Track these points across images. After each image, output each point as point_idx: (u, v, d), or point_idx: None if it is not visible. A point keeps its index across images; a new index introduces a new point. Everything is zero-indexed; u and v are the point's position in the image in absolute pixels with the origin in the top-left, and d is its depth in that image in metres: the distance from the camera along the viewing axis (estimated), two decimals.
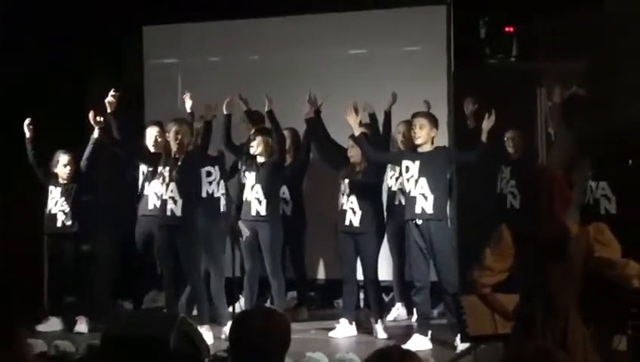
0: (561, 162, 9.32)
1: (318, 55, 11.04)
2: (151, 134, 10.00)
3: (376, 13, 10.89)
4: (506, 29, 9.29)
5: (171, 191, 9.14)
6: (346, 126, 9.06)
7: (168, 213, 9.17)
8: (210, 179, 9.68)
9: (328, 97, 9.73)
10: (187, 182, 9.23)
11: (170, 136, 9.21)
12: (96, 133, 9.73)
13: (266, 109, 9.49)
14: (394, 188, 9.92)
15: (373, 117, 9.95)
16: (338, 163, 9.67)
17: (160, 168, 9.28)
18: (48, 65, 11.23)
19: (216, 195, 9.68)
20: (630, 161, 8.89)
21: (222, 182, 9.77)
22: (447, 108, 10.38)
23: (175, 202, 9.11)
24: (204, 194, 9.58)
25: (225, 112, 9.55)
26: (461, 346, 8.16)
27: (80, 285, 10.10)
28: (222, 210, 9.69)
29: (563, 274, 4.99)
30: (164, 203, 9.21)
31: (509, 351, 5.18)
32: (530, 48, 9.26)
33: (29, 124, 9.87)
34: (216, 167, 9.77)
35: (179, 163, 9.15)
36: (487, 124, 8.83)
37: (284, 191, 10.06)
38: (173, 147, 9.20)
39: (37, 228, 10.36)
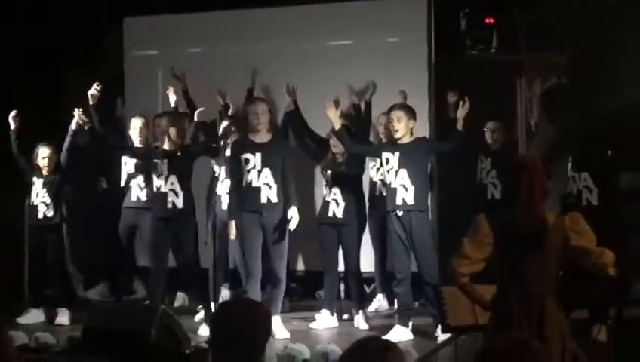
0: (541, 153, 9.35)
1: (299, 46, 11.02)
2: (135, 126, 10.02)
3: (357, 5, 10.89)
4: (487, 20, 9.27)
5: (171, 183, 9.18)
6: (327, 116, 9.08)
7: (169, 205, 9.22)
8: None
9: (300, 88, 9.81)
10: (188, 175, 9.35)
11: (172, 131, 9.29)
12: (73, 125, 9.71)
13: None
14: (375, 179, 9.96)
15: (356, 107, 9.95)
16: (318, 153, 9.72)
17: (157, 161, 9.27)
18: (28, 56, 11.20)
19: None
20: (609, 152, 8.93)
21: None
22: (427, 99, 10.41)
23: (176, 194, 9.15)
24: None
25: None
26: (442, 337, 8.20)
27: (61, 277, 10.07)
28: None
29: (539, 263, 5.03)
30: (162, 195, 9.23)
31: (485, 341, 5.22)
32: (510, 40, 9.26)
33: (14, 116, 9.84)
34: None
35: (178, 155, 9.23)
36: (461, 111, 8.89)
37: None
38: (175, 140, 9.28)
39: (17, 220, 10.32)
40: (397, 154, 8.81)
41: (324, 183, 9.44)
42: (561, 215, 5.19)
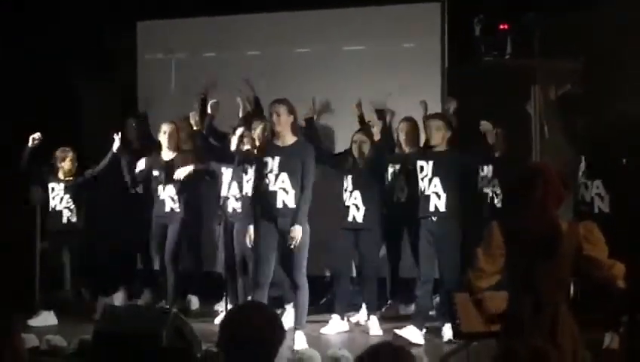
0: (555, 160, 9.32)
1: (313, 51, 11.04)
2: (165, 131, 9.96)
3: (372, 10, 10.89)
4: (501, 26, 9.25)
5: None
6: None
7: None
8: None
9: (314, 93, 9.90)
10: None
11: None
12: (115, 148, 9.81)
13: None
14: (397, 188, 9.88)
15: (380, 113, 9.94)
16: (334, 161, 9.71)
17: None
18: (41, 61, 11.21)
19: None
20: (625, 160, 8.90)
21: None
22: (440, 104, 10.39)
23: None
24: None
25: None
26: (447, 335, 8.46)
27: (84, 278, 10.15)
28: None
29: (552, 271, 5.00)
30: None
31: (499, 348, 5.19)
32: (524, 46, 9.24)
33: (37, 138, 9.84)
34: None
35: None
36: (485, 126, 9.12)
37: None
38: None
39: (25, 225, 10.36)
40: (431, 162, 8.90)
41: (344, 188, 9.42)
42: (575, 222, 5.16)
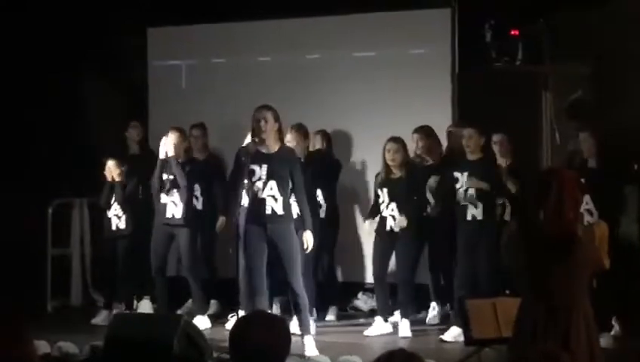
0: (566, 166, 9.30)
1: (323, 57, 11.02)
2: (172, 139, 9.92)
3: (382, 16, 10.86)
4: (512, 32, 9.26)
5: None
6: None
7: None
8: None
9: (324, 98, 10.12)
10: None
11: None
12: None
13: None
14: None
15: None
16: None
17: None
18: (52, 66, 11.23)
19: None
20: (635, 166, 8.87)
21: None
22: (450, 111, 10.37)
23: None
24: None
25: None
26: (446, 337, 8.86)
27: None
28: None
29: (566, 275, 4.99)
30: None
31: (513, 353, 5.17)
32: (535, 51, 9.24)
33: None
34: None
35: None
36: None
37: (318, 194, 9.92)
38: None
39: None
40: (465, 174, 9.06)
41: (380, 200, 9.42)
42: (588, 226, 5.17)
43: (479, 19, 9.47)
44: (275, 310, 9.80)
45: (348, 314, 10.47)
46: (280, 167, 8.42)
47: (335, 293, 10.41)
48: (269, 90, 10.65)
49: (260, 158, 8.43)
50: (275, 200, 8.39)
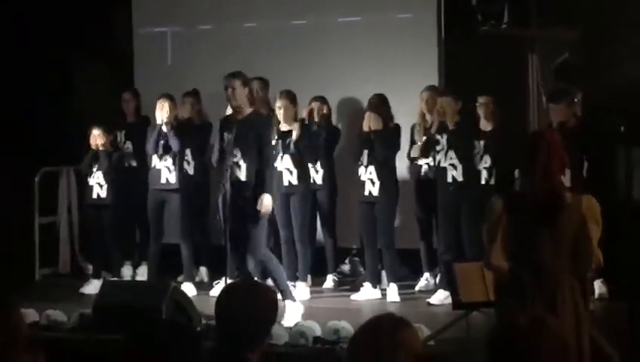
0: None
1: (309, 23, 10.98)
2: (163, 106, 9.89)
3: None
4: None
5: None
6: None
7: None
8: None
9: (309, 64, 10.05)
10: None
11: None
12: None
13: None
14: (420, 163, 9.81)
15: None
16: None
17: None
18: (37, 35, 11.17)
19: None
20: (622, 128, 8.86)
21: None
22: (437, 75, 10.36)
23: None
24: None
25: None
26: (433, 300, 9.02)
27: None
28: None
29: (553, 238, 5.00)
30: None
31: (501, 318, 5.19)
32: (522, 15, 9.20)
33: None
34: None
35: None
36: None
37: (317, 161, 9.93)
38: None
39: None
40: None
41: (359, 163, 9.47)
42: (578, 195, 5.16)
43: None
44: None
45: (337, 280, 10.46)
46: (247, 131, 8.37)
47: (334, 261, 10.38)
48: (256, 56, 10.63)
49: (230, 124, 8.47)
50: (239, 166, 8.36)
